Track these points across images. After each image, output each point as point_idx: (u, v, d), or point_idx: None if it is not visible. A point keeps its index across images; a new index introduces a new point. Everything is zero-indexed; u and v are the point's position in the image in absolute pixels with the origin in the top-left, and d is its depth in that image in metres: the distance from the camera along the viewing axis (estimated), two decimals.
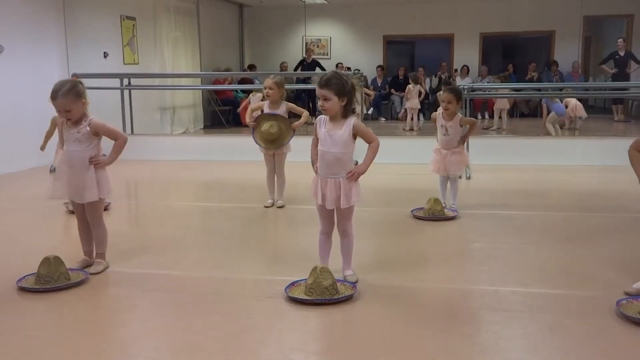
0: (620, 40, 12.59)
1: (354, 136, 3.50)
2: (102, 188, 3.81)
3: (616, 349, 2.79)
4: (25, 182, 7.14)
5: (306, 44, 14.55)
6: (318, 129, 3.55)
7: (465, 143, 5.48)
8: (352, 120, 3.49)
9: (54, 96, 3.62)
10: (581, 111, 10.49)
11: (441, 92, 5.54)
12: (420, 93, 11.90)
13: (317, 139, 3.56)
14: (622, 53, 12.27)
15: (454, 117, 5.19)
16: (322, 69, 13.47)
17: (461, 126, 5.27)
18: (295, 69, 13.61)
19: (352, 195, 3.49)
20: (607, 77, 13.31)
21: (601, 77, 14.34)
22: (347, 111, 3.49)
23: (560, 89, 11.63)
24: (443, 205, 5.22)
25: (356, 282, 3.57)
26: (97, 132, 3.76)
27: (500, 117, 12.02)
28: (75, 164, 3.74)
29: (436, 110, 5.46)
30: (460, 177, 5.56)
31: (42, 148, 6.25)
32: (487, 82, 13.20)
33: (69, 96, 3.61)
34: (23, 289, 3.53)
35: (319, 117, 3.64)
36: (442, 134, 5.28)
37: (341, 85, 3.41)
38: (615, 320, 3.06)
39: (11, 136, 7.77)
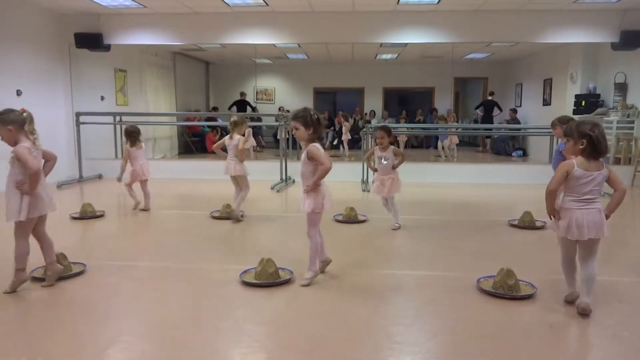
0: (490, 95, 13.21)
1: (310, 159, 3.28)
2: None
3: (476, 313, 2.90)
4: None
5: (256, 92, 14.53)
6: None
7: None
8: (308, 146, 3.28)
9: None
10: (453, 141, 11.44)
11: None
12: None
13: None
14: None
15: (387, 149, 4.81)
16: (252, 107, 13.48)
17: (395, 155, 4.85)
18: (229, 108, 13.43)
19: (305, 204, 3.33)
20: (471, 120, 13.87)
21: (466, 120, 14.95)
22: (313, 138, 3.26)
23: (437, 129, 12.07)
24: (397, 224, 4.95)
25: (307, 285, 3.30)
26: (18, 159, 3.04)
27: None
28: (9, 185, 3.08)
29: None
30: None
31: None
32: (387, 122, 13.55)
33: None
34: (35, 278, 3.36)
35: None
36: (379, 162, 4.86)
37: (306, 117, 3.20)
38: (475, 292, 3.19)
39: None
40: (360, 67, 14.65)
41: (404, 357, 2.40)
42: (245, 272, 3.43)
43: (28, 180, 3.03)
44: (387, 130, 4.87)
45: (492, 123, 12.57)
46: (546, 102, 11.61)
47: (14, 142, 3.05)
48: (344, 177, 7.73)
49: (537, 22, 7.87)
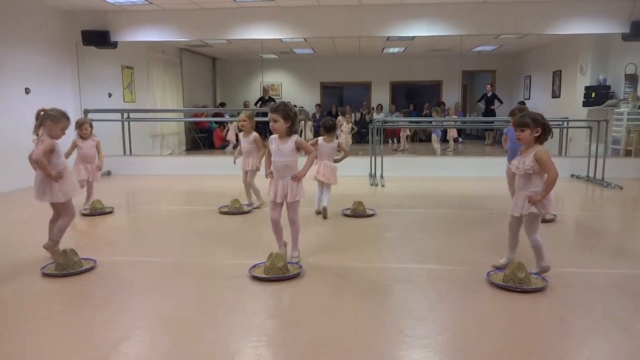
0: (488, 85, 13.12)
1: (297, 149, 3.45)
2: None
3: (487, 306, 2.89)
4: None
5: (264, 87, 14.52)
6: (270, 145, 3.51)
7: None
8: (291, 138, 3.44)
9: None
10: (454, 133, 11.62)
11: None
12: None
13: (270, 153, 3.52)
14: (489, 94, 12.76)
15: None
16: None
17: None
18: (256, 104, 13.54)
19: (297, 193, 3.47)
20: (478, 113, 13.75)
21: (474, 113, 14.84)
22: (291, 131, 3.44)
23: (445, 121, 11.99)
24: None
25: (298, 262, 3.54)
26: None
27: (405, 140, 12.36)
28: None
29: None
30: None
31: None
32: (395, 117, 13.49)
33: None
34: (46, 275, 3.39)
35: (270, 137, 3.55)
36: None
37: (287, 111, 3.39)
38: (485, 286, 3.17)
39: None
40: (367, 61, 14.57)
41: (414, 351, 2.39)
42: (254, 266, 3.44)
43: None
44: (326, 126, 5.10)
45: (494, 115, 12.48)
46: (555, 95, 11.50)
47: None
48: (352, 172, 7.71)
49: (545, 14, 7.78)
